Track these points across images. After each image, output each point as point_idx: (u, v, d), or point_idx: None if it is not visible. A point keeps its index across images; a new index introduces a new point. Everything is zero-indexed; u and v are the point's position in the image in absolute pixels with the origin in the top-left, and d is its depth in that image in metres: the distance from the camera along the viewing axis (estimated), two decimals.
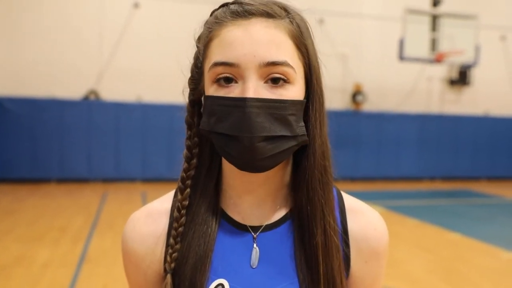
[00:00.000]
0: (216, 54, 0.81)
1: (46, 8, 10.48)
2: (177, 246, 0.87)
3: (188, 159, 0.91)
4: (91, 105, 10.50)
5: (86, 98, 10.61)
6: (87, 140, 10.37)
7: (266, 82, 0.80)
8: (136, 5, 10.85)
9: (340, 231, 0.90)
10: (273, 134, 0.79)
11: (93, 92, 10.69)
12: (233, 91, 0.80)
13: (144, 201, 8.56)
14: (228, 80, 0.80)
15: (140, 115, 10.66)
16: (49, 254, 5.31)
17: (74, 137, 10.27)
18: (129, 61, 10.86)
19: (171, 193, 0.95)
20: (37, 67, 10.43)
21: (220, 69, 0.80)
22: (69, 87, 10.55)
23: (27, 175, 10.07)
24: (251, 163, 0.80)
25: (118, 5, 10.81)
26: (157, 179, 10.44)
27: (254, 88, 0.78)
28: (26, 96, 10.20)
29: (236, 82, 0.80)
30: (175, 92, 9.91)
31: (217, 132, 0.81)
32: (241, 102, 0.78)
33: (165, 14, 10.98)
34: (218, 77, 0.81)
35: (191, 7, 10.62)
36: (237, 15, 0.81)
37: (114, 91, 10.78)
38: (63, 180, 10.31)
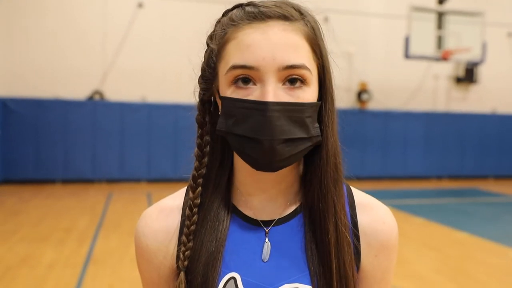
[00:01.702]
0: (234, 57, 0.82)
1: (50, 9, 10.50)
2: (190, 244, 0.88)
3: (199, 158, 0.92)
4: (95, 105, 10.51)
5: (90, 99, 10.62)
6: (91, 140, 10.39)
7: (283, 83, 0.81)
8: (140, 5, 10.85)
9: (350, 226, 0.91)
10: (292, 136, 0.81)
11: (98, 92, 10.70)
12: (252, 94, 0.81)
13: (150, 201, 8.56)
14: (246, 81, 0.81)
15: (145, 115, 10.66)
16: (54, 255, 5.30)
17: (78, 138, 10.29)
18: (133, 61, 10.87)
19: (183, 190, 0.96)
20: (41, 67, 10.45)
21: (238, 71, 0.81)
22: (73, 88, 10.57)
23: (32, 176, 10.09)
24: (269, 165, 0.82)
25: (122, 5, 10.82)
26: (162, 179, 10.44)
27: (274, 91, 0.80)
28: (31, 96, 10.22)
29: (254, 84, 0.81)
30: (180, 92, 9.95)
31: (236, 134, 0.82)
32: (262, 106, 0.79)
33: (169, 14, 10.97)
34: (236, 78, 0.82)
35: (196, 7, 10.61)
36: (254, 18, 0.82)
37: (118, 91, 10.79)
38: (68, 180, 10.33)
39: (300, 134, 0.82)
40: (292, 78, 0.81)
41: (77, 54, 10.63)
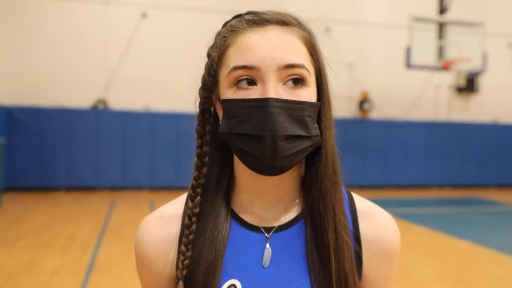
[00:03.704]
0: (235, 59, 0.84)
1: (53, 18, 10.59)
2: (189, 254, 0.88)
3: (199, 168, 0.92)
4: (99, 114, 10.56)
5: (94, 107, 10.68)
6: (95, 148, 10.43)
7: (284, 83, 0.83)
8: (143, 15, 10.94)
9: (352, 231, 0.91)
10: (293, 133, 0.82)
11: (101, 101, 10.76)
12: (253, 94, 0.82)
13: (152, 209, 8.55)
14: (248, 82, 0.83)
15: (148, 124, 10.71)
16: (57, 262, 5.33)
17: (82, 146, 10.34)
18: (136, 70, 10.93)
19: (183, 198, 0.96)
20: (45, 76, 10.52)
21: (240, 72, 0.83)
22: (77, 96, 10.64)
23: (36, 183, 10.12)
24: (271, 163, 0.81)
25: (126, 14, 10.90)
26: (164, 187, 10.46)
27: (275, 89, 0.81)
28: (35, 105, 10.28)
29: (255, 84, 0.83)
30: (182, 100, 9.98)
31: (239, 133, 0.83)
32: (264, 103, 0.80)
33: (172, 24, 11.05)
34: (237, 79, 0.83)
35: (198, 17, 10.69)
36: (253, 23, 0.85)
37: (122, 100, 10.85)
38: (71, 188, 10.36)
39: (300, 132, 0.82)
40: (292, 78, 0.83)
41: (80, 63, 10.70)
